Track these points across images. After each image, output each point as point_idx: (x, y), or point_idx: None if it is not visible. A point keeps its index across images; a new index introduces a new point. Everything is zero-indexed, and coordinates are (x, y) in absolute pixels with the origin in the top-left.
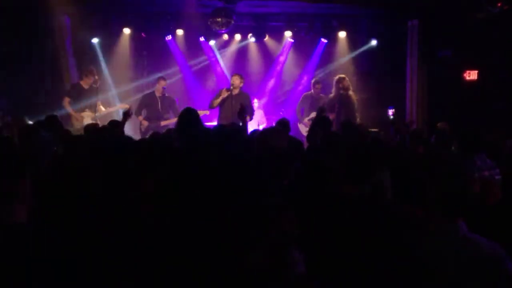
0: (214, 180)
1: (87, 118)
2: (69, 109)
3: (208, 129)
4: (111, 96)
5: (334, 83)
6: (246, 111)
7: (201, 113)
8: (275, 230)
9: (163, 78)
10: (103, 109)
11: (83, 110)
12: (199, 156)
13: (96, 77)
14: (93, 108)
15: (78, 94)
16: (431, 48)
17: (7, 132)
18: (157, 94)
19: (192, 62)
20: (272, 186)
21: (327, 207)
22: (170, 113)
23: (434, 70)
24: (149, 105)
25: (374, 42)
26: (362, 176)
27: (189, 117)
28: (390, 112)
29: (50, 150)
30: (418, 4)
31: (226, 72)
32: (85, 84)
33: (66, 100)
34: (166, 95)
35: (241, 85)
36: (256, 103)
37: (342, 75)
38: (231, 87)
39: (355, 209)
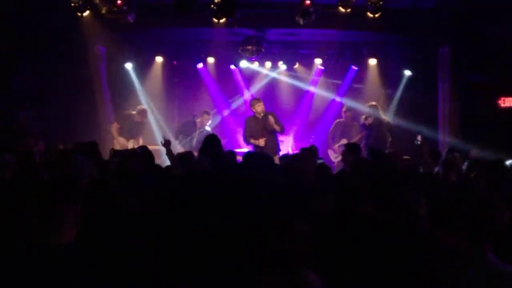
0: (231, 199)
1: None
2: (115, 134)
3: (229, 152)
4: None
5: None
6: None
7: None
8: (286, 249)
9: (207, 112)
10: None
11: (127, 140)
12: (220, 176)
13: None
14: (137, 140)
15: (128, 124)
16: (463, 75)
17: (41, 157)
18: (198, 126)
19: (224, 90)
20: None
21: (350, 229)
22: None
23: (467, 97)
24: (186, 134)
25: (408, 73)
26: (384, 201)
27: (209, 139)
28: (418, 137)
29: (86, 174)
30: (448, 31)
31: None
32: (138, 117)
33: (115, 125)
34: (207, 129)
35: (263, 107)
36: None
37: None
38: (256, 115)
39: (377, 233)
